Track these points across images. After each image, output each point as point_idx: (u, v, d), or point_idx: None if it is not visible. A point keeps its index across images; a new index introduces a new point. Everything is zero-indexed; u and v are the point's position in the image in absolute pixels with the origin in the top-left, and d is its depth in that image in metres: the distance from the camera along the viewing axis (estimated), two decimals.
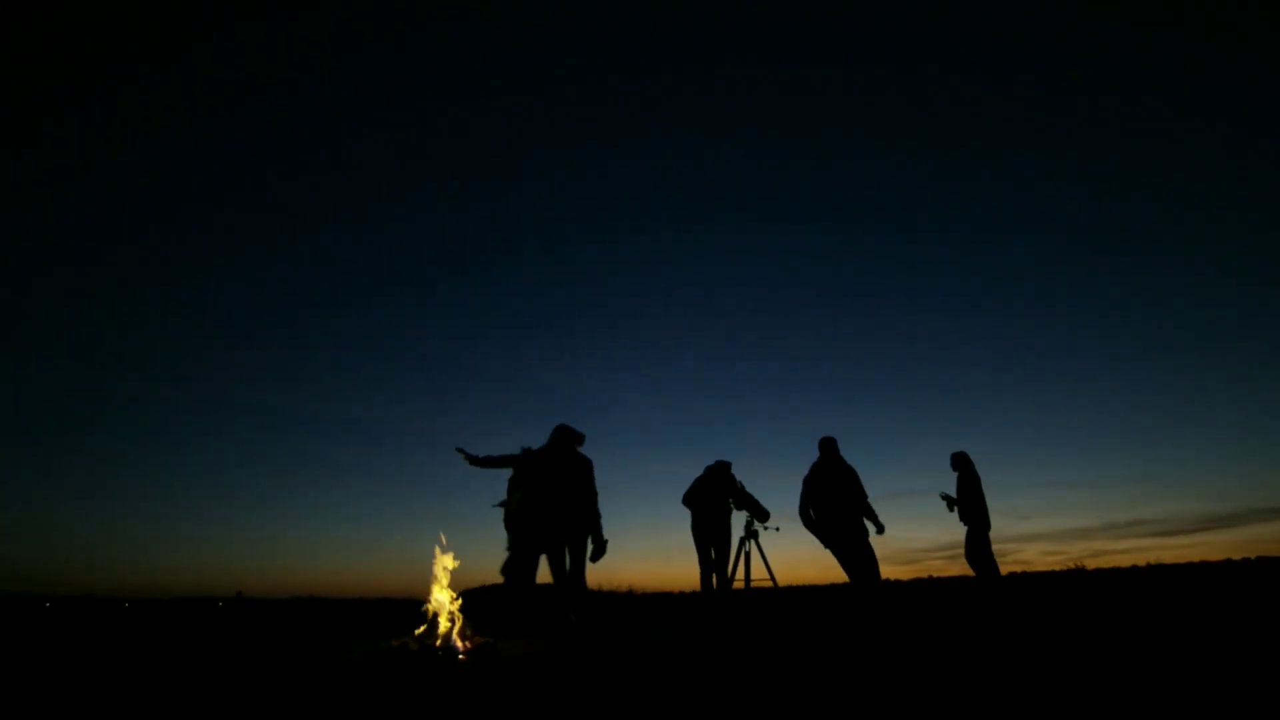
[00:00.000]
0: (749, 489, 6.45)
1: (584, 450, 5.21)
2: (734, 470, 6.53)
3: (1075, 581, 9.55)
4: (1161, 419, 34.26)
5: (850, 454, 6.49)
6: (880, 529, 6.16)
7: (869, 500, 6.26)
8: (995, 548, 6.97)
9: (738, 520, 6.44)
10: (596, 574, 7.67)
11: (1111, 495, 29.87)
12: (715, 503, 6.34)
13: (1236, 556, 16.59)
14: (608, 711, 2.15)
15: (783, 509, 6.87)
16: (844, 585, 6.47)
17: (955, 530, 7.19)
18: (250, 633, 5.62)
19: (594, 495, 4.94)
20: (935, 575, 15.53)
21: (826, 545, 6.28)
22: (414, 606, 3.80)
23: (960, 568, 8.21)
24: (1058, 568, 12.57)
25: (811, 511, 6.35)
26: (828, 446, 6.45)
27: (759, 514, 6.36)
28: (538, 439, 5.34)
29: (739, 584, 6.32)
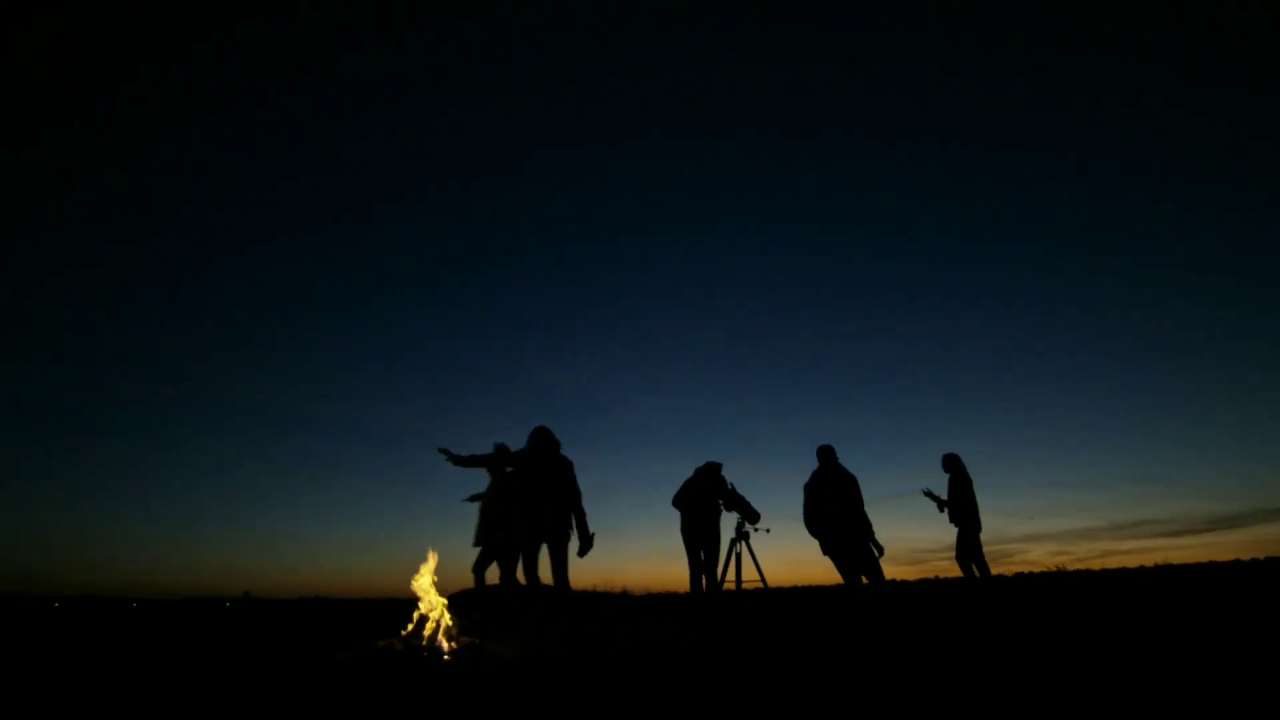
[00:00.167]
0: (743, 490, 6.48)
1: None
2: (732, 470, 6.56)
3: (1076, 582, 9.56)
4: (1162, 419, 34.14)
5: (850, 454, 6.55)
6: (880, 552, 6.17)
7: (865, 508, 6.28)
8: (999, 549, 7.05)
9: (728, 522, 6.48)
10: (596, 574, 7.74)
11: (1114, 496, 29.82)
12: (704, 504, 6.36)
13: (1245, 557, 16.61)
14: (590, 712, 2.22)
15: (782, 509, 6.93)
16: (839, 587, 6.50)
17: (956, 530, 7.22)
18: (250, 633, 5.72)
19: (578, 494, 5.02)
20: (941, 576, 15.52)
21: (826, 553, 6.31)
22: (412, 607, 3.86)
23: None
24: (1067, 567, 12.54)
25: (813, 519, 6.40)
26: (826, 455, 6.50)
27: (749, 515, 6.40)
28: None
29: (730, 585, 6.37)
